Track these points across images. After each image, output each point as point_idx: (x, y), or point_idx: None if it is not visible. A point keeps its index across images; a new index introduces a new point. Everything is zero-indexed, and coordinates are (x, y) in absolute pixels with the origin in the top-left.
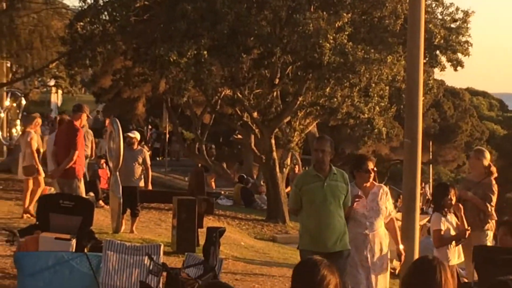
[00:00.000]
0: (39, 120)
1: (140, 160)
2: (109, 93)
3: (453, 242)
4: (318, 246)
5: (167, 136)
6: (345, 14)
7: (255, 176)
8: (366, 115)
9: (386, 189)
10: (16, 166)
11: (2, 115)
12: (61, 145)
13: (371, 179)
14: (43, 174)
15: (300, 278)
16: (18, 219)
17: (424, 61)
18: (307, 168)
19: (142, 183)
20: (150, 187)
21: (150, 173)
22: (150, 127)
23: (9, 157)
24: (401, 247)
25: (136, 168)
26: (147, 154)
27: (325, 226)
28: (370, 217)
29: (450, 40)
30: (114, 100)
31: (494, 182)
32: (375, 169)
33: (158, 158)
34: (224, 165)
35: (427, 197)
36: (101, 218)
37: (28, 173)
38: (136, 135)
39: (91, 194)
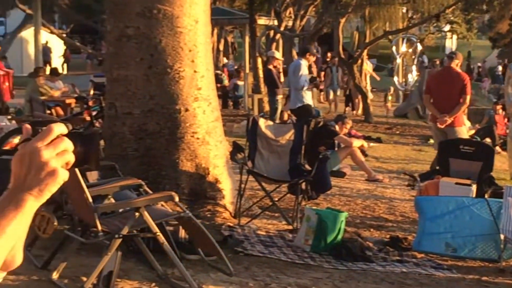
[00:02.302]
0: None
1: None
2: (505, 38)
3: None
4: None
5: None
6: None
7: None
8: None
9: None
10: (412, 112)
11: (399, 60)
12: (443, 92)
13: None
14: None
15: None
16: (415, 164)
17: None
18: None
19: None
20: None
21: None
22: None
23: (405, 102)
24: None
25: None
26: None
27: None
28: None
29: None
30: (510, 45)
31: None
32: None
33: None
34: None
35: None
36: (498, 164)
37: None
38: None
39: (488, 140)
